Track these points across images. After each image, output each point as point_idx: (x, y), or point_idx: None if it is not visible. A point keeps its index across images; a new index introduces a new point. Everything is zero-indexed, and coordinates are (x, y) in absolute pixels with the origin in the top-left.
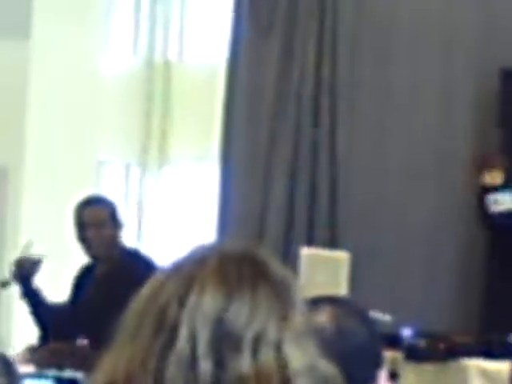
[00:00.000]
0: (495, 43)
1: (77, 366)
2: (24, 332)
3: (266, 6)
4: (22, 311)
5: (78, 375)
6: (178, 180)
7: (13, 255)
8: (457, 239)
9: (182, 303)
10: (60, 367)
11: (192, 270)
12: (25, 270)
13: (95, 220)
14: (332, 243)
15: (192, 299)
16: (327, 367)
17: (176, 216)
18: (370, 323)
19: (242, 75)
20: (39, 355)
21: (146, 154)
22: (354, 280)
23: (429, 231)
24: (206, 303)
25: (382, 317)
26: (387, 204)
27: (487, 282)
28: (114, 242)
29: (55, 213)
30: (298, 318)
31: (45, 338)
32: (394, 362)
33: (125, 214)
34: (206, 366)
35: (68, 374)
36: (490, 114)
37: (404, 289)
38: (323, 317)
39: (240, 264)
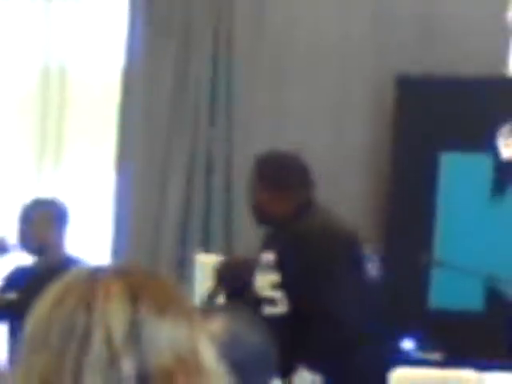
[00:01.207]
0: (389, 51)
1: None
2: None
3: (161, 12)
4: None
5: None
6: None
7: None
8: None
9: (89, 309)
10: None
11: (92, 277)
12: None
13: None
14: (228, 249)
15: (99, 304)
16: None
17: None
18: (262, 331)
19: (138, 82)
20: None
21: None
22: None
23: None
24: (114, 305)
25: None
26: None
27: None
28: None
29: None
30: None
31: None
32: None
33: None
34: (126, 364)
35: None
36: (385, 122)
37: None
38: (217, 325)
39: (136, 270)
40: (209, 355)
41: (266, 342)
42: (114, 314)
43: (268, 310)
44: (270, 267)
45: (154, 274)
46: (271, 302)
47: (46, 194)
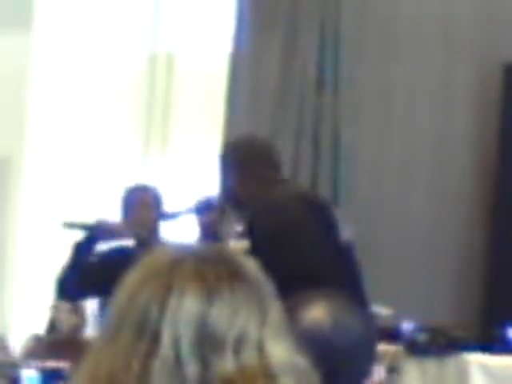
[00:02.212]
0: (496, 38)
1: (69, 358)
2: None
3: (268, 5)
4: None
5: (62, 366)
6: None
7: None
8: (457, 233)
9: (162, 307)
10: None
11: (170, 272)
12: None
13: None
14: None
15: (173, 303)
16: (305, 362)
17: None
18: (365, 317)
19: (244, 69)
20: (42, 347)
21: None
22: None
23: (429, 225)
24: (186, 306)
25: (382, 311)
26: (389, 196)
27: (488, 275)
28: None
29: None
30: (275, 314)
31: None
32: (394, 356)
33: None
34: (191, 369)
35: (51, 364)
36: (491, 110)
37: (404, 282)
38: (319, 312)
39: (216, 265)
40: (279, 353)
41: (368, 328)
42: (185, 315)
43: None
44: (239, 236)
45: (235, 268)
46: None
47: (151, 180)
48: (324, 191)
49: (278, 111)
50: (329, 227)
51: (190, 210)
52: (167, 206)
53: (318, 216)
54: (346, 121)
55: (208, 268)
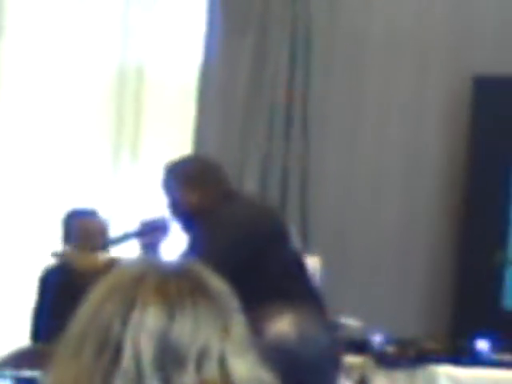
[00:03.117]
0: (466, 52)
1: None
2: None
3: (239, 10)
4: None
5: (37, 374)
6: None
7: None
8: (427, 245)
9: (124, 322)
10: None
11: (132, 287)
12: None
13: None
14: (303, 248)
15: (135, 317)
16: (270, 377)
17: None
18: (330, 329)
19: (214, 80)
20: (17, 355)
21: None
22: (325, 285)
23: (399, 237)
24: (148, 321)
25: (352, 322)
26: (359, 209)
27: (457, 288)
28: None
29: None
30: (239, 329)
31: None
32: (363, 368)
33: None
34: (153, 381)
35: (26, 373)
36: (461, 122)
37: (374, 294)
38: (285, 325)
39: (179, 280)
40: (242, 368)
41: (333, 340)
42: (147, 330)
43: None
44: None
45: (198, 283)
46: None
47: (122, 191)
48: (293, 202)
49: (249, 121)
50: (284, 238)
51: (135, 234)
52: (114, 231)
53: (276, 227)
54: (316, 133)
55: (171, 283)
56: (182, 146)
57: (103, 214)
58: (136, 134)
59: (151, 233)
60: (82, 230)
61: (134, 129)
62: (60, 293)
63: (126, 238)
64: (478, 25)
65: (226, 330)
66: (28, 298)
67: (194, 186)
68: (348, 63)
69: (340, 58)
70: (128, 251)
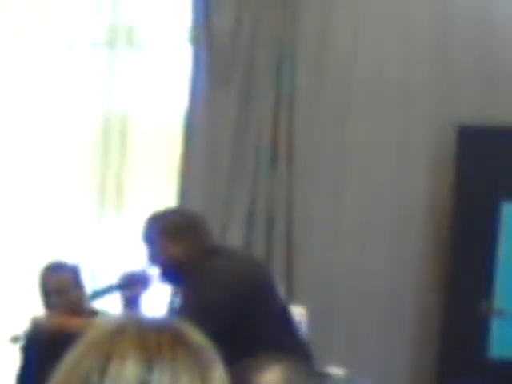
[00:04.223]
0: (450, 100)
1: None
2: None
3: (224, 58)
4: None
5: None
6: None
7: None
8: (413, 294)
9: (102, 375)
10: None
11: (110, 341)
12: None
13: (59, 287)
14: (288, 298)
15: (112, 370)
16: None
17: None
18: (318, 380)
19: (200, 130)
20: None
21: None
22: (311, 335)
23: (385, 288)
24: (127, 374)
25: (338, 372)
26: (344, 257)
27: (444, 337)
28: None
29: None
30: (219, 382)
31: None
32: None
33: None
34: None
35: None
36: (446, 170)
37: (360, 344)
38: (274, 375)
39: (158, 333)
40: None
41: None
42: (125, 382)
43: None
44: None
45: (178, 336)
46: None
47: (106, 241)
48: (278, 251)
49: (234, 171)
50: (270, 289)
51: (117, 287)
52: (98, 283)
53: (261, 281)
54: (301, 180)
55: (149, 335)
56: (167, 196)
57: (77, 262)
58: (120, 185)
59: (133, 285)
60: (53, 286)
61: (117, 180)
62: (41, 358)
63: (108, 290)
64: (462, 75)
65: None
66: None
67: (176, 238)
68: (333, 111)
69: (325, 106)
70: (110, 304)
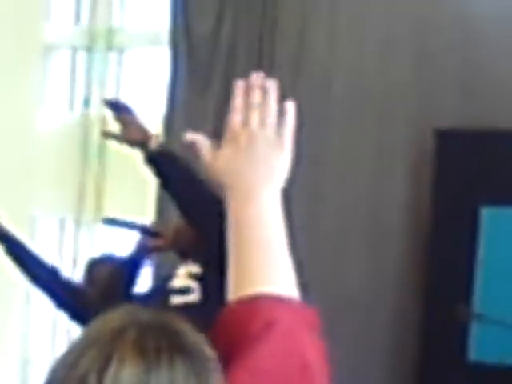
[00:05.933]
0: (428, 105)
1: None
2: None
3: (203, 64)
4: None
5: None
6: (112, 235)
7: None
8: (393, 299)
9: (100, 376)
10: None
11: (111, 341)
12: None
13: None
14: None
15: (111, 372)
16: None
17: None
18: None
19: (179, 131)
20: None
21: (82, 210)
22: None
23: (363, 292)
24: (124, 377)
25: None
26: (320, 266)
27: (423, 341)
28: None
29: None
30: None
31: None
32: None
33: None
34: None
35: None
36: (424, 175)
37: (337, 351)
38: None
39: (158, 336)
40: None
41: None
42: None
43: (180, 299)
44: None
45: (177, 340)
46: (184, 291)
47: (85, 245)
48: None
49: None
50: None
51: (135, 226)
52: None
53: None
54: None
55: (149, 339)
56: (146, 202)
57: None
58: (99, 189)
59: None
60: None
61: (96, 183)
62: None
63: (128, 225)
64: (441, 79)
65: None
66: None
67: None
68: (312, 116)
69: (303, 108)
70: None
